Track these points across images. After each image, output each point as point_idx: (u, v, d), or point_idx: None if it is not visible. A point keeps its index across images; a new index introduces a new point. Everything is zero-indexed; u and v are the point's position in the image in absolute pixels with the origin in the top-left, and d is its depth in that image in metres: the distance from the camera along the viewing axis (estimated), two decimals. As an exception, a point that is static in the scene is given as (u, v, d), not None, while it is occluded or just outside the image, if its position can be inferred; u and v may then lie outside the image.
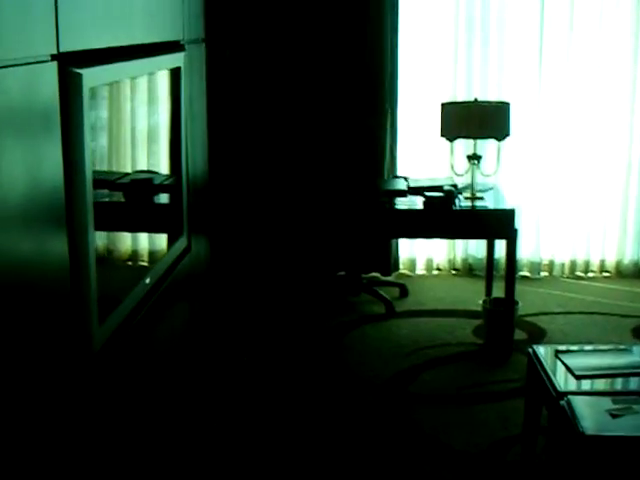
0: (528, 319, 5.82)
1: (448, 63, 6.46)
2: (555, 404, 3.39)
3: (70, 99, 2.15)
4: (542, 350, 3.88)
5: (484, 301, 5.51)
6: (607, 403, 3.31)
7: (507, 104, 5.37)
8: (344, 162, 6.21)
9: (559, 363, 3.73)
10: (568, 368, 3.66)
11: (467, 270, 6.80)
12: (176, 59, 3.26)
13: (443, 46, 6.45)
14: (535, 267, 6.74)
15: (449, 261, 6.83)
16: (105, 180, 2.72)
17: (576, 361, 3.72)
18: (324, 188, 5.71)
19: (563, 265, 6.77)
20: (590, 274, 6.79)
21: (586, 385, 3.56)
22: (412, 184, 5.54)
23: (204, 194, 3.95)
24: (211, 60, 5.20)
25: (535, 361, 3.80)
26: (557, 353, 3.83)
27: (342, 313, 5.99)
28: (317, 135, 6.23)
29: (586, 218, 6.70)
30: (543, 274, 6.78)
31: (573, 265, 6.77)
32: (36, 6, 1.96)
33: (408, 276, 6.75)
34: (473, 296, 6.04)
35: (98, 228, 2.35)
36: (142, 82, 3.01)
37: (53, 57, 2.07)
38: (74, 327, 2.25)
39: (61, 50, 2.10)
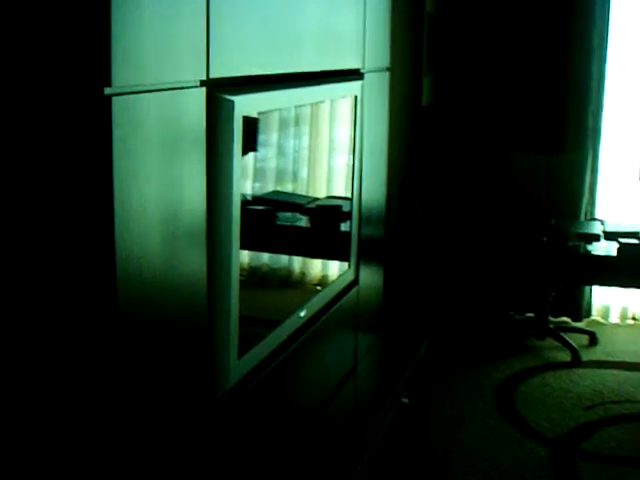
0: None
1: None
2: None
3: (218, 126, 2.09)
4: None
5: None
6: None
7: None
8: (535, 199, 5.98)
9: None
10: None
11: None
12: (352, 87, 3.18)
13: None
14: None
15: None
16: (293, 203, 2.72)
17: None
18: (512, 224, 5.51)
19: None
20: None
21: None
22: (608, 228, 5.27)
23: (379, 225, 3.83)
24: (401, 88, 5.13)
25: None
26: None
27: (524, 357, 5.75)
28: (505, 167, 6.04)
29: None
30: None
31: None
32: (186, 28, 1.92)
33: (600, 324, 6.43)
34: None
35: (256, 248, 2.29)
36: (318, 108, 2.95)
37: (202, 83, 2.02)
38: (208, 358, 2.18)
39: (212, 76, 2.04)
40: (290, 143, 2.91)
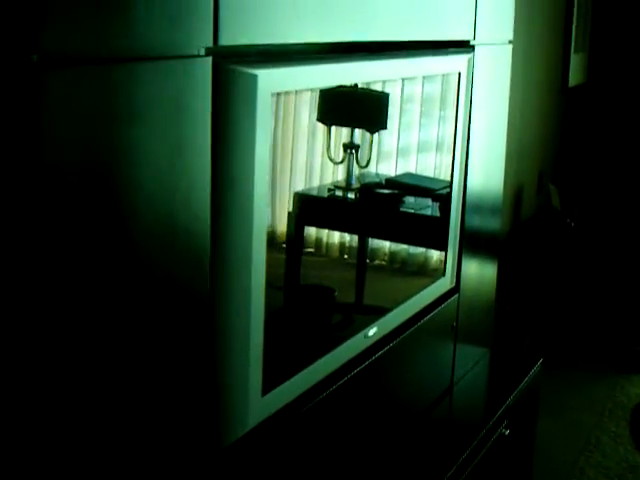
0: None
1: None
2: None
3: (231, 103, 1.64)
4: None
5: None
6: None
7: None
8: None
9: None
10: None
11: None
12: (454, 62, 2.68)
13: None
14: None
15: None
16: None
17: None
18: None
19: None
20: None
21: None
22: None
23: (493, 219, 3.31)
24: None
25: None
26: None
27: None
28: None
29: None
30: None
31: None
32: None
33: None
34: None
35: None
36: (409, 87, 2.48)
37: (208, 52, 1.57)
38: (209, 396, 1.74)
39: (222, 43, 1.59)
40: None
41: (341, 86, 2.04)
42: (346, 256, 2.43)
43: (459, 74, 2.71)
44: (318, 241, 2.25)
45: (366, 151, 2.33)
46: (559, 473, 3.94)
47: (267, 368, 1.83)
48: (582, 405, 4.59)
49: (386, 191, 2.64)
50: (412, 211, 2.87)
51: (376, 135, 2.36)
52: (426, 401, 2.85)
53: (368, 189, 2.47)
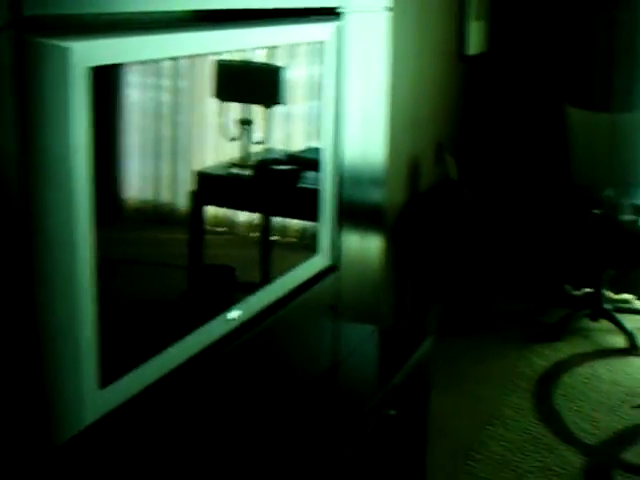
0: None
1: None
2: None
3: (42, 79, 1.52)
4: None
5: None
6: None
7: None
8: (592, 163, 5.28)
9: None
10: None
11: None
12: (315, 31, 2.57)
13: None
14: None
15: None
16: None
17: None
18: (562, 192, 4.83)
19: None
20: None
21: None
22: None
23: (374, 191, 3.21)
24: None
25: None
26: None
27: (573, 341, 5.09)
28: (561, 127, 5.35)
29: None
30: None
31: None
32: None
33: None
34: None
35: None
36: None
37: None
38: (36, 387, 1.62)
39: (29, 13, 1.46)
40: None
41: (231, 60, 1.95)
42: (253, 234, 2.36)
43: (324, 43, 2.60)
44: (227, 219, 2.24)
45: (262, 127, 2.25)
46: (461, 448, 3.90)
47: (106, 358, 1.72)
48: (485, 378, 4.56)
49: (283, 167, 2.57)
50: (312, 187, 2.77)
51: (275, 110, 2.28)
52: (304, 385, 2.75)
53: (264, 165, 2.38)
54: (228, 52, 2.14)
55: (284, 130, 2.58)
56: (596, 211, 4.39)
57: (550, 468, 3.78)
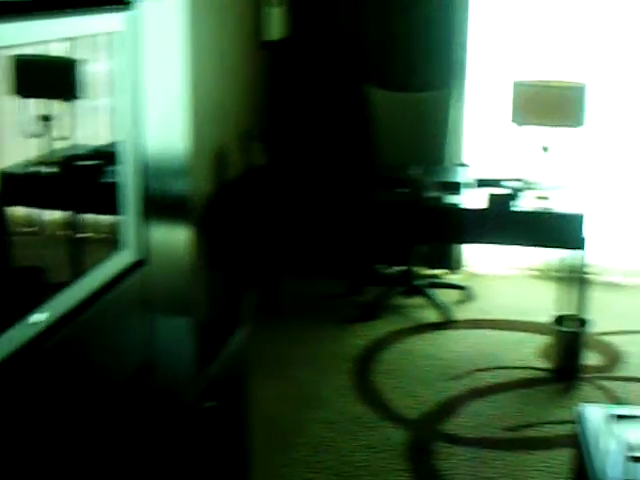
0: (606, 338, 4.92)
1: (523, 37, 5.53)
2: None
3: None
4: (593, 413, 3.01)
5: (554, 318, 4.62)
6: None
7: (582, 86, 4.47)
8: (394, 142, 5.36)
9: (615, 434, 2.87)
10: (626, 444, 2.79)
11: (546, 271, 5.89)
12: (102, 21, 2.48)
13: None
14: (622, 272, 5.80)
15: (525, 260, 5.94)
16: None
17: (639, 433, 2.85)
18: (364, 171, 4.88)
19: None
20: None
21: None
22: (475, 176, 4.67)
23: (176, 182, 3.14)
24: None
25: (582, 428, 2.94)
26: (614, 419, 2.95)
27: (389, 319, 5.17)
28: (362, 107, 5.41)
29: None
30: (632, 280, 5.83)
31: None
32: None
33: (476, 275, 5.88)
34: (548, 304, 5.15)
35: None
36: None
37: None
38: None
39: None
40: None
41: (25, 54, 1.84)
42: (61, 232, 2.27)
43: (116, 33, 2.53)
44: (36, 219, 2.13)
45: (65, 122, 2.15)
46: (284, 433, 3.89)
47: None
48: (304, 361, 4.57)
49: (86, 162, 2.47)
50: (116, 181, 2.68)
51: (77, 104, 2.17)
52: (119, 385, 2.67)
53: (67, 162, 2.28)
54: (14, 46, 2.04)
55: (89, 124, 2.49)
56: (401, 190, 4.45)
57: (373, 446, 3.81)
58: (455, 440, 3.88)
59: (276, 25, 5.39)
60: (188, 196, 3.24)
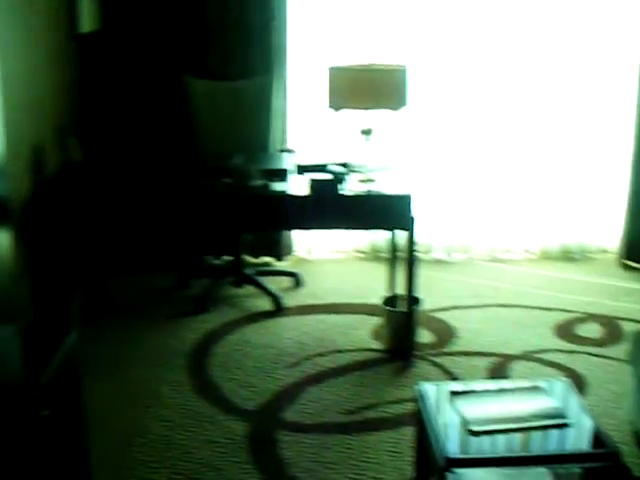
0: (437, 315, 5.02)
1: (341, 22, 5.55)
2: (443, 478, 2.56)
3: None
4: (431, 391, 3.04)
5: (384, 299, 4.66)
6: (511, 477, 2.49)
7: (404, 68, 4.51)
8: (218, 132, 5.30)
9: (452, 410, 2.90)
10: (463, 419, 2.82)
11: (373, 252, 5.95)
12: None
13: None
14: (450, 249, 5.93)
15: (352, 243, 5.99)
16: None
17: (474, 408, 2.89)
18: (188, 162, 4.81)
19: (481, 246, 5.96)
20: (512, 256, 6.00)
21: (485, 445, 2.72)
22: (299, 162, 4.66)
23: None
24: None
25: (421, 406, 2.96)
26: (451, 395, 2.99)
27: (221, 311, 5.11)
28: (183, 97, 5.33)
29: (506, 196, 5.90)
30: (458, 256, 5.96)
31: (493, 246, 5.96)
32: None
33: (305, 261, 5.90)
34: (378, 285, 5.20)
35: None
36: None
37: None
38: None
39: None
40: None
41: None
42: None
43: None
44: None
45: None
46: (123, 435, 3.78)
47: None
48: (138, 359, 4.45)
49: None
50: None
51: None
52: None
53: None
54: None
55: None
56: (226, 179, 4.39)
57: (215, 440, 3.75)
58: (296, 428, 3.86)
59: (87, 17, 5.23)
60: (5, 197, 3.10)
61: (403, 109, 4.56)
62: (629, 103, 5.61)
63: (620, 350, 4.50)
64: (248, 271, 5.39)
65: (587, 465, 2.63)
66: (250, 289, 5.33)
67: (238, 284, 5.36)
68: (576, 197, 5.88)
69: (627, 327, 4.84)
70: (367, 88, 4.44)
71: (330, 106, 4.60)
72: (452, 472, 2.51)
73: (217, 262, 5.69)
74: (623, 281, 5.60)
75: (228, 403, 4.07)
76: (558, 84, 5.67)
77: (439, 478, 2.57)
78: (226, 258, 5.61)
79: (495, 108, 5.70)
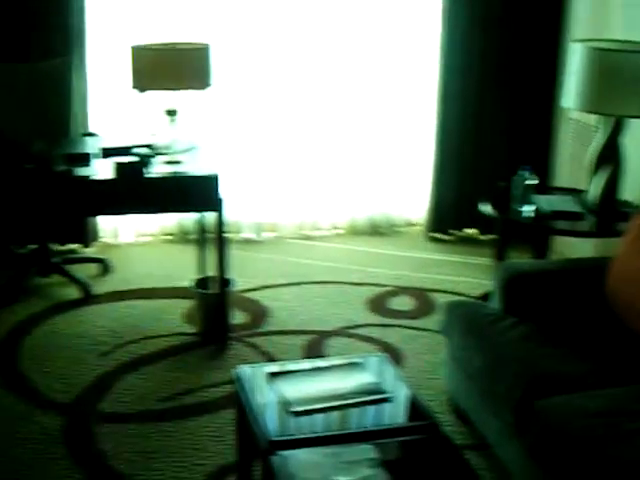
0: (249, 295, 5.02)
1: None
2: (266, 460, 2.56)
3: None
4: (250, 373, 3.04)
5: (195, 281, 4.62)
6: (333, 460, 2.51)
7: (206, 46, 4.46)
8: (14, 118, 5.11)
9: (271, 392, 2.91)
10: (283, 400, 2.83)
11: (181, 234, 5.89)
12: None
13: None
14: (259, 228, 5.93)
15: (159, 225, 5.91)
16: None
17: (294, 389, 2.90)
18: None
19: (290, 224, 5.99)
20: (321, 232, 6.05)
21: (307, 425, 2.74)
22: (103, 145, 4.54)
23: None
24: None
25: (240, 389, 2.96)
26: (269, 376, 3.00)
27: (27, 301, 4.94)
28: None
29: (310, 172, 5.95)
30: (267, 235, 5.98)
31: (301, 223, 6.00)
32: None
33: (112, 246, 5.78)
34: (188, 267, 5.14)
35: None
36: None
37: None
38: None
39: None
40: None
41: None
42: None
43: None
44: None
45: None
46: None
47: None
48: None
49: None
50: None
51: None
52: None
53: None
54: None
55: None
56: (28, 165, 4.23)
57: (29, 437, 3.63)
58: (113, 418, 3.78)
59: None
60: None
61: (208, 89, 4.51)
62: (432, 76, 5.72)
63: (433, 321, 4.61)
64: (54, 259, 5.23)
65: (407, 438, 2.68)
66: (58, 278, 5.17)
67: (45, 273, 5.19)
68: (382, 170, 5.97)
69: (438, 298, 4.96)
70: (171, 68, 4.37)
71: (134, 87, 4.51)
72: (276, 454, 2.51)
73: (22, 251, 5.50)
74: (431, 253, 5.74)
75: (41, 397, 3.95)
76: (363, 58, 5.73)
77: (263, 461, 2.57)
78: (31, 247, 5.42)
79: (300, 84, 5.72)
